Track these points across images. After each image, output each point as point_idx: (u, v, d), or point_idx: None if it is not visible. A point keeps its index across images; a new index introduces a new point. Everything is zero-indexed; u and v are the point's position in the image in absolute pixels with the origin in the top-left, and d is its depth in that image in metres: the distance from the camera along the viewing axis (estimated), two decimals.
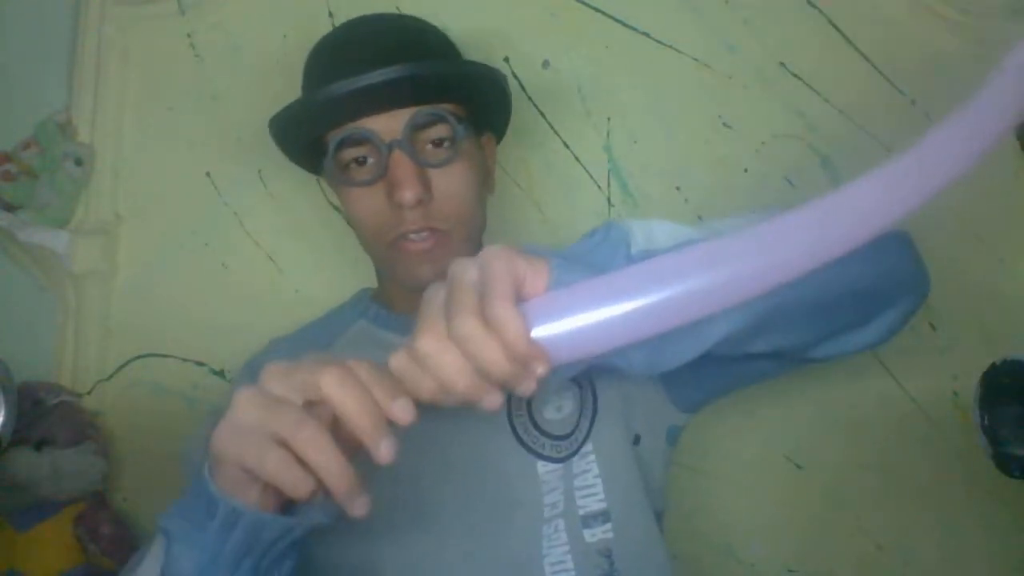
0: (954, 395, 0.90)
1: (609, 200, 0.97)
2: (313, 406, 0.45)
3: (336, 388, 0.44)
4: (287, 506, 0.48)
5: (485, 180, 0.79)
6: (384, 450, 0.43)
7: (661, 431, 0.77)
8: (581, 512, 0.70)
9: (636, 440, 0.74)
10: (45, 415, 0.92)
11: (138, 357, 1.00)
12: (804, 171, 0.95)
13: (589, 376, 0.73)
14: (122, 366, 1.00)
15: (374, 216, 0.73)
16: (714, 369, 0.69)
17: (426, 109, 0.71)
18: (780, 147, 0.95)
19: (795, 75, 0.96)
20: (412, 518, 0.69)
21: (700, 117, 0.97)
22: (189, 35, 1.02)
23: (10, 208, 0.99)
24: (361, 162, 0.73)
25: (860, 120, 0.95)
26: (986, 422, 0.43)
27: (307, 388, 0.45)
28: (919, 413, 0.91)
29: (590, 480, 0.70)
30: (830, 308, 0.58)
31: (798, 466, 0.94)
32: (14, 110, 1.03)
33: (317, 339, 0.81)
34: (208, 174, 1.01)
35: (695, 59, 0.97)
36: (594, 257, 0.50)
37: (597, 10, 0.98)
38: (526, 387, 0.45)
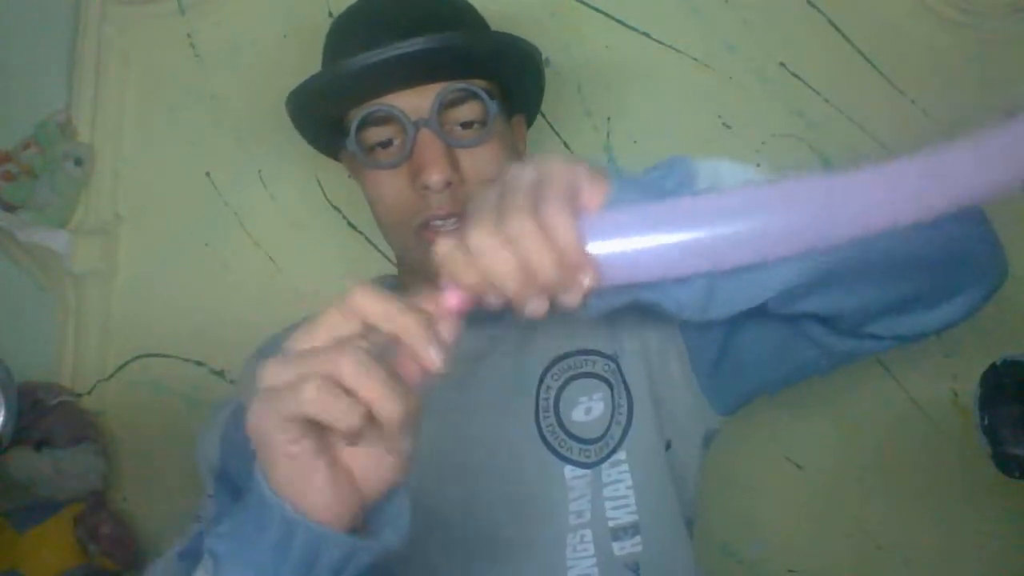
0: (954, 395, 0.90)
1: None
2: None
3: (370, 304, 0.41)
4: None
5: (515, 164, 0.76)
6: (435, 355, 0.42)
7: (697, 436, 0.73)
8: (611, 524, 0.66)
9: (667, 446, 0.70)
10: (45, 415, 0.92)
11: (138, 357, 1.00)
12: (804, 171, 0.95)
13: (623, 381, 0.70)
14: (122, 366, 1.00)
15: (398, 200, 0.68)
16: (761, 356, 0.67)
17: (456, 85, 0.66)
18: (780, 147, 0.95)
19: (795, 75, 0.96)
20: (433, 520, 0.66)
21: (700, 117, 0.97)
22: (189, 35, 1.02)
23: (10, 208, 0.99)
24: (385, 144, 0.68)
25: (860, 120, 0.95)
26: (986, 422, 0.43)
27: (337, 323, 0.42)
28: (919, 413, 0.91)
29: (622, 491, 0.67)
30: (897, 276, 0.55)
31: (798, 466, 0.94)
32: (14, 110, 1.03)
33: None
34: (208, 174, 1.01)
35: (695, 59, 0.97)
36: (657, 186, 0.48)
37: (597, 10, 0.98)
38: (571, 297, 0.44)
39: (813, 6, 0.95)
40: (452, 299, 0.43)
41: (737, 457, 0.94)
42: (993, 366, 0.43)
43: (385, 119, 0.67)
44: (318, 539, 0.42)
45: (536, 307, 0.44)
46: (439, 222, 0.67)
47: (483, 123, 0.68)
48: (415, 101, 0.66)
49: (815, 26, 0.95)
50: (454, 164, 0.66)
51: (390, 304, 0.42)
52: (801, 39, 0.96)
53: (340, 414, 0.39)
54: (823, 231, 0.42)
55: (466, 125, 0.68)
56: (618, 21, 0.98)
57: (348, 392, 0.40)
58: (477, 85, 0.67)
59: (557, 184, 0.43)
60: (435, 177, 0.64)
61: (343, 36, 0.72)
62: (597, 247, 0.42)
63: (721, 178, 0.49)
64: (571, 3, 0.98)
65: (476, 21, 0.74)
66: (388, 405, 0.40)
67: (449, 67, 0.66)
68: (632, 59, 0.97)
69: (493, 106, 0.67)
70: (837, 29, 0.95)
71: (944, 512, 0.90)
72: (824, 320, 0.59)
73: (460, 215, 0.66)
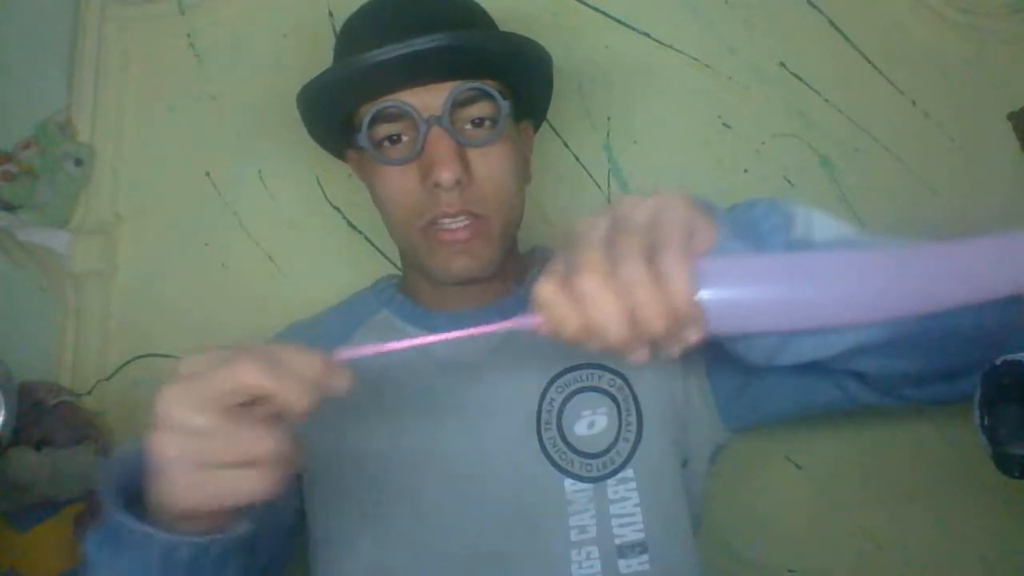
0: None
1: (609, 200, 0.97)
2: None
3: (257, 379, 0.42)
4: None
5: (524, 166, 0.74)
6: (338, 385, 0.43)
7: (706, 451, 0.73)
8: (617, 541, 0.66)
9: (685, 463, 0.70)
10: (45, 415, 0.92)
11: (138, 357, 1.00)
12: (804, 171, 0.95)
13: (633, 397, 0.69)
14: (122, 366, 1.00)
15: (406, 198, 0.68)
16: (786, 393, 0.67)
17: (470, 84, 0.66)
18: (780, 147, 0.96)
19: (795, 75, 0.96)
20: (434, 531, 0.67)
21: (700, 117, 0.97)
22: (189, 35, 1.02)
23: (10, 208, 0.99)
24: (394, 140, 0.68)
25: (860, 120, 0.95)
26: (986, 422, 0.43)
27: (224, 394, 0.42)
28: (919, 413, 0.91)
29: (629, 508, 0.67)
30: (949, 349, 0.53)
31: (798, 466, 0.94)
32: (14, 110, 1.03)
33: (338, 324, 0.78)
34: (208, 174, 1.01)
35: (695, 59, 0.97)
36: (753, 231, 0.47)
37: (597, 10, 0.98)
38: (675, 349, 0.43)
39: (813, 6, 0.95)
40: (343, 382, 0.44)
41: (738, 457, 0.94)
42: (993, 366, 0.43)
43: (397, 115, 0.67)
44: (172, 545, 0.45)
45: (639, 357, 0.43)
46: (448, 221, 0.67)
47: (494, 123, 0.68)
48: (427, 98, 0.66)
49: (815, 26, 0.95)
50: (464, 163, 0.66)
51: (270, 379, 0.42)
52: (801, 39, 0.96)
53: (252, 495, 0.42)
54: (919, 301, 0.43)
55: (476, 124, 0.68)
56: (618, 21, 0.98)
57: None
58: (490, 85, 0.67)
59: (674, 228, 0.42)
60: (446, 175, 0.64)
61: (357, 32, 0.72)
62: (710, 297, 0.41)
63: (814, 228, 0.49)
64: (571, 3, 0.98)
65: (485, 21, 0.74)
66: (295, 398, 0.42)
67: (463, 66, 0.66)
68: (632, 59, 0.97)
69: (506, 106, 0.68)
70: (837, 29, 0.95)
71: (944, 512, 0.90)
72: (862, 376, 0.59)
73: (469, 213, 0.67)
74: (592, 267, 0.41)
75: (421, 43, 0.63)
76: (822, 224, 0.49)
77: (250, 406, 0.43)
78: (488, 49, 0.68)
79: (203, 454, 0.41)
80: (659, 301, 0.41)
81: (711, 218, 0.44)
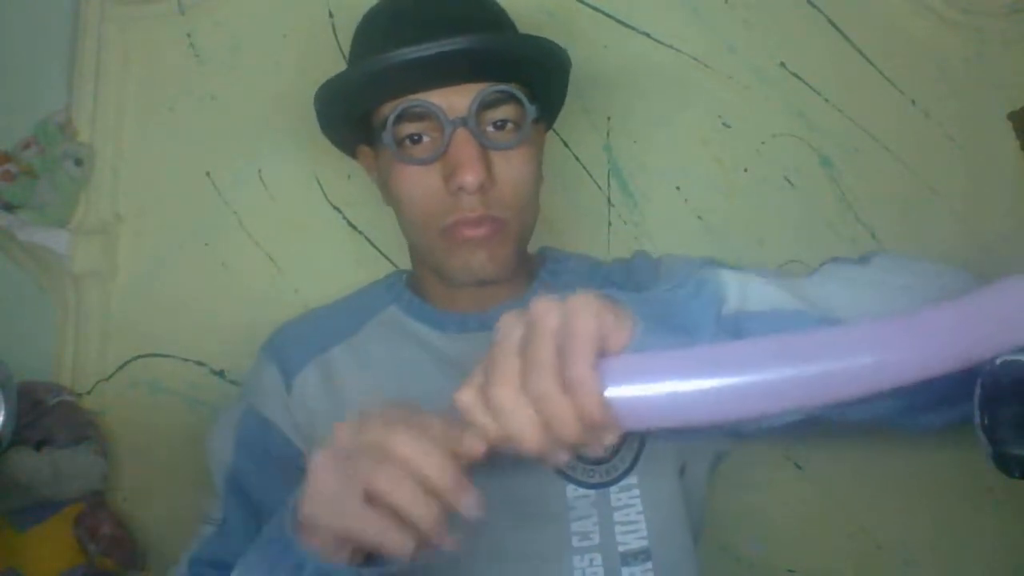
0: None
1: (609, 200, 0.97)
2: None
3: (408, 450, 0.45)
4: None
5: (540, 169, 0.75)
6: (468, 506, 0.45)
7: (707, 459, 0.73)
8: (621, 549, 0.66)
9: (682, 470, 0.70)
10: (45, 415, 0.92)
11: (138, 357, 1.00)
12: (804, 171, 0.95)
13: None
14: (122, 366, 1.00)
15: (427, 199, 0.67)
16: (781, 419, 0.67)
17: (497, 86, 0.66)
18: (780, 147, 0.96)
19: (795, 75, 0.96)
20: None
21: (700, 117, 0.97)
22: (189, 35, 1.02)
23: (10, 208, 0.99)
24: (415, 140, 0.67)
25: (860, 120, 0.95)
26: (986, 422, 0.43)
27: (379, 451, 0.45)
28: None
29: (632, 516, 0.67)
30: (933, 388, 0.51)
31: (798, 466, 0.94)
32: (14, 110, 1.03)
33: (347, 317, 0.78)
34: (208, 174, 1.01)
35: (695, 59, 0.97)
36: (682, 313, 0.47)
37: (597, 10, 0.98)
38: (593, 450, 0.44)
39: (813, 6, 0.95)
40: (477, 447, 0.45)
41: (738, 457, 0.94)
42: (993, 366, 0.42)
43: (422, 115, 0.66)
44: (326, 572, 0.47)
45: (558, 460, 0.44)
46: (468, 226, 0.67)
47: (517, 126, 0.68)
48: (453, 99, 0.66)
49: (815, 26, 0.95)
50: (488, 166, 0.66)
51: (428, 465, 0.45)
52: (801, 39, 0.96)
53: (398, 547, 0.45)
54: (862, 383, 0.42)
55: (499, 127, 0.68)
56: (618, 21, 0.98)
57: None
58: (515, 88, 0.67)
59: (584, 334, 0.41)
60: (470, 178, 0.64)
61: (381, 29, 0.71)
62: (620, 393, 0.41)
63: (748, 300, 0.48)
64: (571, 3, 0.98)
65: (507, 22, 0.74)
66: (436, 533, 0.45)
67: (489, 68, 0.66)
68: (632, 59, 0.97)
69: (532, 110, 0.68)
70: (837, 29, 0.95)
71: (944, 512, 0.90)
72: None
73: (489, 217, 0.67)
74: (505, 380, 0.42)
75: (453, 43, 0.63)
76: (760, 295, 0.48)
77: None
78: (517, 52, 0.68)
79: (391, 490, 0.44)
80: (569, 409, 0.41)
81: (625, 316, 0.44)
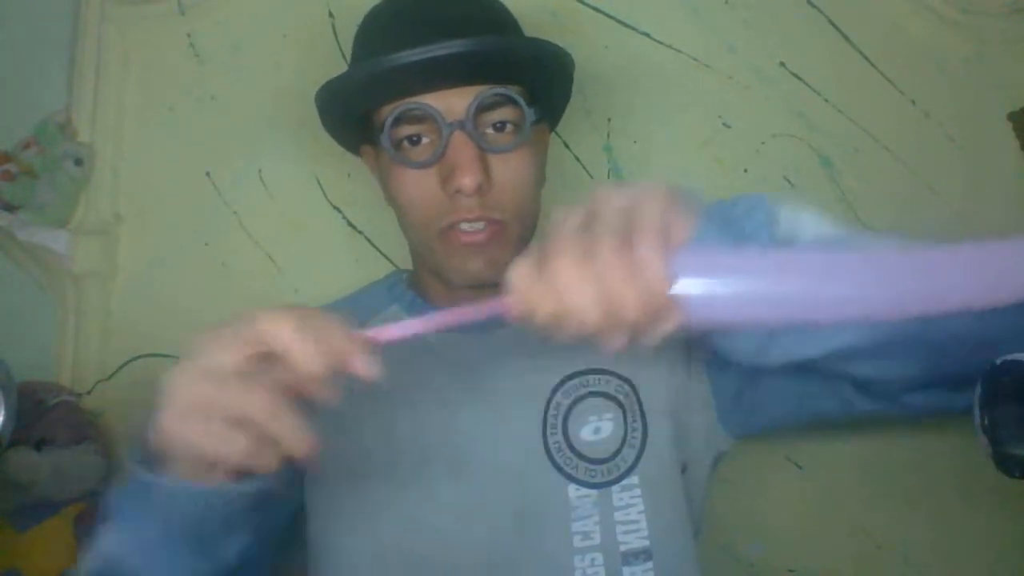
0: None
1: None
2: (254, 369, 0.44)
3: (280, 332, 0.43)
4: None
5: (542, 170, 0.74)
6: (331, 393, 0.43)
7: (709, 458, 0.73)
8: (622, 548, 0.65)
9: (683, 469, 0.70)
10: (45, 415, 0.92)
11: (138, 357, 1.00)
12: (804, 171, 0.95)
13: (639, 403, 0.69)
14: (122, 366, 1.00)
15: (426, 201, 0.67)
16: (783, 400, 0.66)
17: (496, 89, 0.65)
18: (780, 147, 0.96)
19: (795, 75, 0.96)
20: (437, 533, 0.66)
21: (700, 117, 0.97)
22: (189, 35, 1.02)
23: (10, 208, 0.99)
24: (414, 141, 0.67)
25: (860, 120, 0.95)
26: (986, 422, 0.43)
27: (246, 341, 0.44)
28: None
29: (634, 516, 0.66)
30: (948, 354, 0.51)
31: (798, 466, 0.94)
32: (14, 110, 1.03)
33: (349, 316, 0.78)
34: (208, 174, 1.01)
35: (695, 59, 0.97)
36: (738, 226, 0.47)
37: (597, 10, 0.98)
38: (651, 338, 0.42)
39: (813, 6, 0.95)
40: (369, 370, 0.43)
41: (739, 457, 0.93)
42: (993, 366, 0.43)
43: (420, 117, 0.66)
44: (173, 492, 0.46)
45: (614, 343, 0.43)
46: (466, 225, 0.66)
47: (517, 128, 0.67)
48: (452, 102, 0.65)
49: (815, 26, 0.95)
50: (485, 169, 0.66)
51: (303, 344, 0.43)
52: (801, 39, 0.96)
53: (264, 466, 0.43)
54: (904, 304, 0.42)
55: (498, 129, 0.67)
56: (618, 21, 0.98)
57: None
58: (514, 90, 0.67)
59: (651, 217, 0.41)
60: (467, 181, 0.64)
61: (382, 30, 0.71)
62: (685, 287, 0.41)
63: (801, 227, 0.48)
64: (571, 3, 0.98)
65: (510, 23, 0.74)
66: (301, 447, 0.43)
67: (487, 70, 0.66)
68: (632, 59, 0.97)
69: (531, 113, 0.67)
70: (837, 29, 0.95)
71: (944, 512, 0.90)
72: (861, 382, 0.58)
73: (488, 219, 0.66)
74: (566, 252, 0.41)
75: (450, 46, 0.62)
76: (810, 223, 0.48)
77: (272, 370, 0.43)
78: (515, 54, 0.67)
79: (209, 399, 0.42)
80: (633, 288, 0.40)
81: (691, 210, 0.44)
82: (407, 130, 0.67)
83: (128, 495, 0.49)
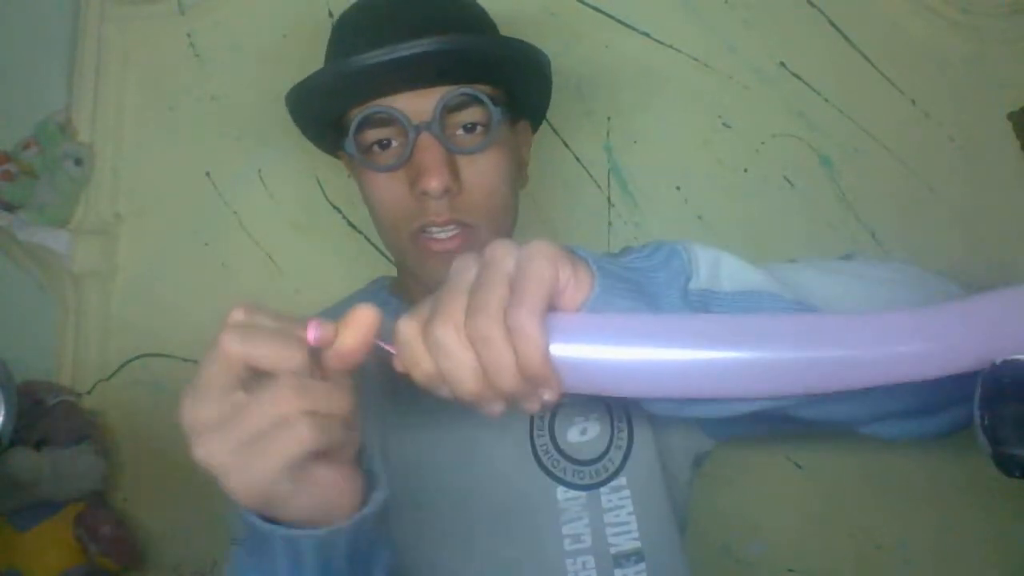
0: None
1: (609, 200, 0.97)
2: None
3: (240, 345, 0.41)
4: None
5: (519, 171, 0.73)
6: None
7: (688, 458, 0.73)
8: (613, 551, 0.65)
9: (663, 466, 0.70)
10: (45, 415, 0.92)
11: (138, 357, 1.00)
12: (804, 171, 0.95)
13: (624, 405, 0.68)
14: (122, 366, 1.00)
15: (395, 205, 0.66)
16: (750, 422, 0.67)
17: (460, 89, 0.64)
18: (780, 147, 0.96)
19: (795, 75, 0.96)
20: (428, 539, 0.66)
21: (700, 117, 0.97)
22: (189, 35, 1.02)
23: (10, 208, 0.99)
24: (384, 145, 0.66)
25: (860, 120, 0.95)
26: (986, 422, 0.43)
27: (226, 368, 0.42)
28: None
29: (623, 517, 0.66)
30: (895, 392, 0.48)
31: (798, 466, 0.94)
32: (14, 110, 1.03)
33: None
34: (208, 174, 1.01)
35: (695, 59, 0.97)
36: (647, 280, 0.45)
37: (597, 10, 0.98)
38: (529, 407, 0.41)
39: (813, 6, 0.95)
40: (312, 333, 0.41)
41: (737, 457, 0.94)
42: (993, 366, 0.42)
43: (386, 120, 0.65)
44: (325, 542, 0.43)
45: (492, 411, 0.42)
46: (437, 230, 0.65)
47: (486, 129, 0.66)
48: (417, 103, 0.64)
49: (815, 26, 0.95)
50: (454, 171, 0.64)
51: (249, 343, 0.41)
52: (801, 39, 0.96)
53: (312, 444, 0.40)
54: (808, 382, 0.39)
55: (468, 130, 0.66)
56: (618, 21, 0.98)
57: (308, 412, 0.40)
58: (482, 90, 0.65)
59: (536, 281, 0.39)
60: (433, 183, 0.63)
61: (348, 33, 0.71)
62: (564, 351, 0.39)
63: (721, 277, 0.46)
64: (571, 3, 0.98)
65: (484, 23, 0.73)
66: (337, 403, 0.41)
67: (454, 70, 0.65)
68: (632, 59, 0.97)
69: (497, 112, 0.66)
70: (837, 29, 0.95)
71: (944, 512, 0.90)
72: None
73: (458, 222, 0.65)
74: (448, 316, 0.40)
75: (409, 48, 0.61)
76: (732, 273, 0.47)
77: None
78: (479, 53, 0.66)
79: (238, 432, 0.40)
80: (509, 359, 0.39)
81: (586, 272, 0.42)
82: (375, 134, 0.66)
83: (250, 550, 0.46)
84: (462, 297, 0.40)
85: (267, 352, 0.41)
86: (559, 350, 0.39)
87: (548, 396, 0.41)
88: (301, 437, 0.39)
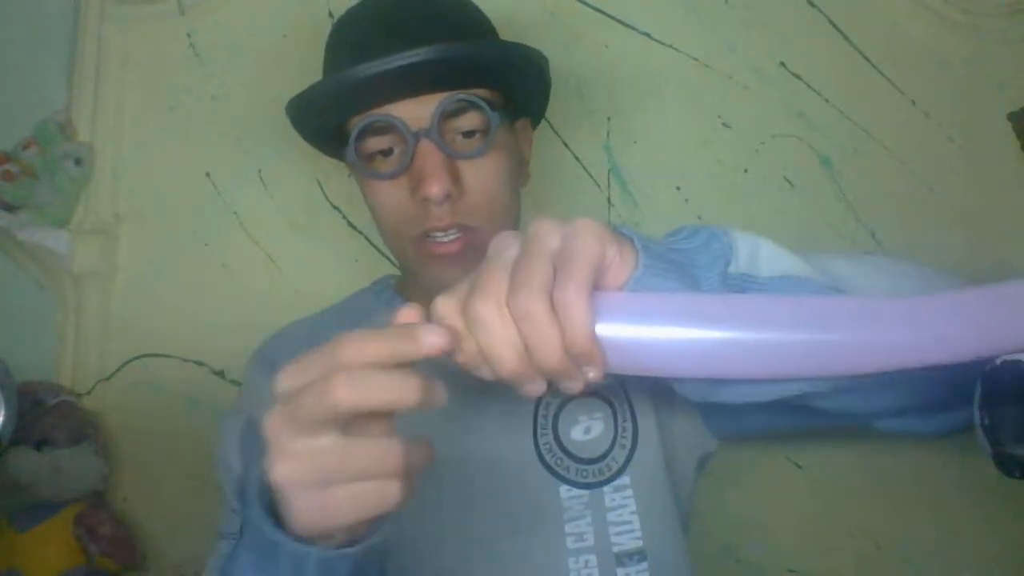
0: None
1: (609, 200, 0.97)
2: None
3: (354, 395, 0.38)
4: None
5: (519, 171, 0.73)
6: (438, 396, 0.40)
7: (693, 459, 0.73)
8: (615, 549, 0.65)
9: (668, 466, 0.70)
10: (45, 415, 0.92)
11: (138, 357, 1.00)
12: (804, 171, 0.95)
13: (628, 403, 0.68)
14: (122, 366, 1.00)
15: (397, 211, 0.67)
16: (763, 414, 0.65)
17: (458, 95, 0.65)
18: (780, 147, 0.96)
19: (795, 75, 0.96)
20: (431, 537, 0.66)
21: (700, 117, 0.97)
22: (189, 35, 1.02)
23: (10, 208, 0.99)
24: (386, 153, 0.67)
25: (860, 120, 0.95)
26: (986, 422, 0.43)
27: (324, 406, 0.38)
28: None
29: (626, 516, 0.66)
30: (920, 386, 0.49)
31: (798, 466, 0.94)
32: (14, 110, 1.03)
33: (337, 324, 0.76)
34: (208, 174, 1.01)
35: (695, 59, 0.97)
36: (689, 262, 0.44)
37: (597, 10, 0.98)
38: (572, 386, 0.41)
39: (813, 6, 0.96)
40: (440, 397, 0.40)
41: (737, 457, 0.94)
42: (993, 366, 0.42)
43: (385, 128, 0.66)
44: (331, 563, 0.42)
45: (533, 389, 0.41)
46: (439, 235, 0.66)
47: (485, 133, 0.67)
48: (416, 111, 0.65)
49: (815, 26, 0.95)
50: (454, 176, 0.65)
51: (377, 393, 0.38)
52: (801, 39, 0.96)
53: (384, 506, 0.39)
54: (853, 361, 0.40)
55: (468, 135, 0.66)
56: (618, 21, 0.98)
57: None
58: (480, 95, 0.66)
59: (584, 257, 0.39)
60: (434, 190, 0.63)
61: (344, 42, 0.71)
62: (611, 331, 0.39)
63: (759, 262, 0.46)
64: (571, 3, 0.98)
65: (480, 25, 0.73)
66: (425, 461, 0.40)
67: (451, 77, 0.65)
68: (632, 59, 0.97)
69: (495, 117, 0.66)
70: (837, 29, 0.95)
71: (944, 512, 0.90)
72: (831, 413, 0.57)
73: (460, 226, 0.66)
74: (489, 292, 0.39)
75: (408, 57, 0.62)
76: (770, 257, 0.46)
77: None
78: (475, 59, 0.66)
79: (322, 473, 0.39)
80: (554, 335, 0.38)
81: (631, 251, 0.42)
82: (375, 143, 0.66)
83: (250, 550, 0.45)
84: (503, 273, 0.39)
85: (381, 401, 0.38)
86: (604, 329, 0.39)
87: (593, 374, 0.40)
88: (393, 498, 0.39)
